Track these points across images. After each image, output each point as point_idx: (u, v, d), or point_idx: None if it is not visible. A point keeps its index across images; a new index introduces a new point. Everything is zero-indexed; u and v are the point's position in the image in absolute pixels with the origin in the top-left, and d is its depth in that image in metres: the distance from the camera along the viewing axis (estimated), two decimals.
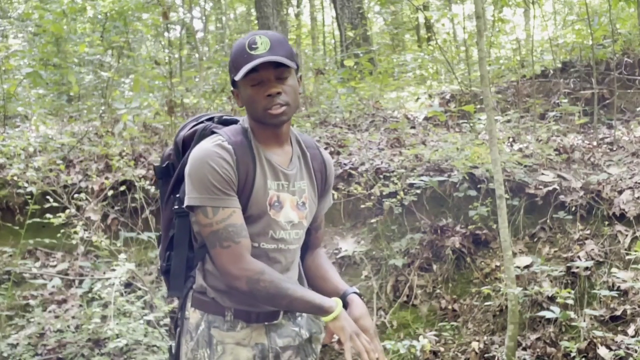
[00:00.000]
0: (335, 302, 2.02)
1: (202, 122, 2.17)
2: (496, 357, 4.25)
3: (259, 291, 1.97)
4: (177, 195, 2.09)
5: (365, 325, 2.08)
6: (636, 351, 3.91)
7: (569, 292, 4.20)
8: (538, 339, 4.28)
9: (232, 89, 2.11)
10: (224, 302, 2.06)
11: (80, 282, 5.09)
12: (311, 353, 2.22)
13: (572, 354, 3.95)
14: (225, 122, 2.15)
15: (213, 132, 2.08)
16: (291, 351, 2.16)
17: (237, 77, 1.98)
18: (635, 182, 4.97)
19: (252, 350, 2.07)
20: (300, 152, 2.17)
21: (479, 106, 6.54)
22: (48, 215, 4.92)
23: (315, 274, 2.26)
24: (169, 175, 2.17)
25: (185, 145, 2.14)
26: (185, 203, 2.00)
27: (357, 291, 2.19)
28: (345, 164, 5.79)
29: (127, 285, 4.78)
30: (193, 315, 2.09)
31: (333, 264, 5.15)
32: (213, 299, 2.07)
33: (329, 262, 2.32)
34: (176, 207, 2.08)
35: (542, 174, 5.25)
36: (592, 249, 4.61)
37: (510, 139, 6.12)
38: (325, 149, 6.22)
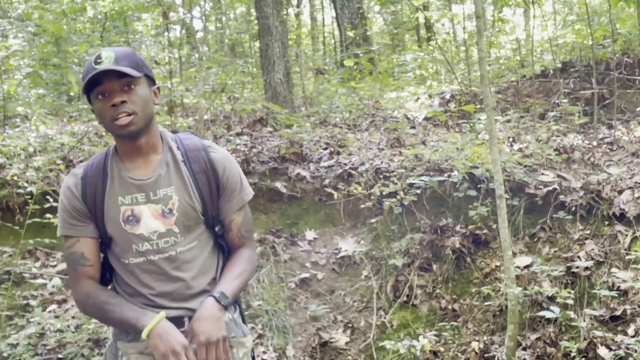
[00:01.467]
0: (149, 319, 2.00)
1: None
2: (496, 357, 4.25)
3: (89, 313, 2.15)
4: None
5: (197, 329, 2.01)
6: (636, 351, 3.91)
7: (569, 292, 4.20)
8: (538, 339, 4.28)
9: (91, 108, 2.14)
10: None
11: None
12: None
13: (572, 354, 3.95)
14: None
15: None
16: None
17: (84, 91, 2.04)
18: (635, 182, 4.97)
19: (154, 358, 2.06)
20: (172, 158, 2.14)
21: (479, 106, 6.54)
22: (48, 215, 4.92)
23: (221, 275, 2.22)
24: None
25: None
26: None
27: (216, 295, 2.08)
28: (345, 164, 5.79)
29: None
30: (109, 330, 2.22)
31: (333, 264, 5.20)
32: None
33: (237, 262, 2.21)
34: None
35: (542, 174, 5.25)
36: (592, 249, 4.61)
37: (510, 139, 6.12)
38: (325, 149, 6.23)
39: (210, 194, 2.15)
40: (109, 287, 2.20)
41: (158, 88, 2.16)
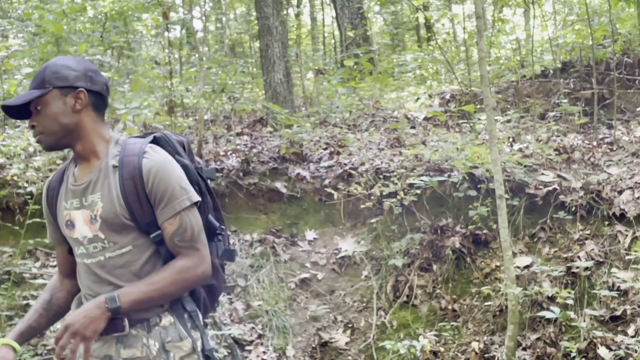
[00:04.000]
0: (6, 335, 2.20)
1: None
2: (496, 357, 4.25)
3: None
4: None
5: (68, 317, 2.09)
6: (636, 351, 3.91)
7: (569, 292, 4.20)
8: (538, 339, 4.28)
9: None
10: None
11: None
12: None
13: (572, 354, 3.95)
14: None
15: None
16: None
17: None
18: (635, 182, 4.97)
19: None
20: (106, 164, 2.13)
21: (479, 106, 6.54)
22: None
23: None
24: None
25: None
26: None
27: (107, 295, 2.04)
28: (345, 164, 5.79)
29: None
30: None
31: (333, 264, 5.20)
32: None
33: (161, 271, 2.12)
34: None
35: (542, 174, 5.25)
36: (592, 249, 4.61)
37: (510, 139, 6.11)
38: (325, 149, 6.23)
39: (138, 200, 2.09)
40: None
41: (80, 91, 2.12)
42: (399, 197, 5.18)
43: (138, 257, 2.13)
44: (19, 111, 2.16)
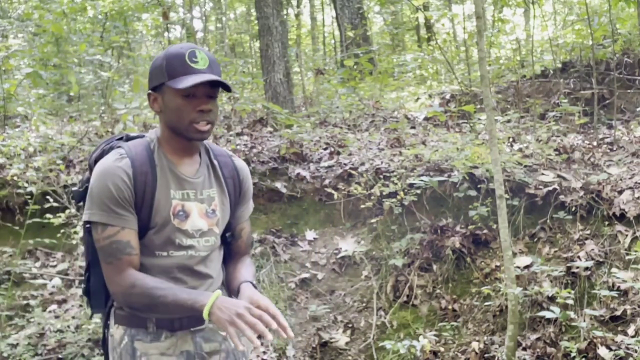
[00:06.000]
0: (207, 298, 1.96)
1: (112, 141, 2.21)
2: (496, 357, 4.24)
3: (134, 303, 2.04)
4: None
5: (255, 298, 2.02)
6: (636, 351, 3.91)
7: (569, 292, 4.20)
8: (538, 339, 4.28)
9: (149, 91, 2.11)
10: (144, 313, 2.09)
11: (80, 282, 5.09)
12: (241, 357, 2.22)
13: (572, 354, 3.95)
14: (133, 139, 2.19)
15: (118, 147, 2.11)
16: (218, 356, 2.16)
17: (178, 86, 1.99)
18: (635, 182, 4.97)
19: (177, 358, 2.09)
20: (209, 161, 2.20)
21: (479, 106, 6.54)
22: (48, 215, 4.92)
23: (230, 277, 2.25)
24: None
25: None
26: (83, 218, 2.07)
27: (251, 281, 2.14)
28: (345, 164, 5.79)
29: None
30: (117, 331, 2.13)
31: (333, 264, 5.20)
32: (132, 313, 2.10)
33: (247, 265, 2.28)
34: (87, 225, 2.11)
35: (542, 174, 5.25)
36: (592, 249, 4.61)
37: (510, 139, 6.11)
38: (325, 149, 6.23)
39: (235, 199, 2.23)
40: None
41: None
42: (399, 197, 5.18)
43: (220, 254, 2.24)
44: (204, 87, 2.02)
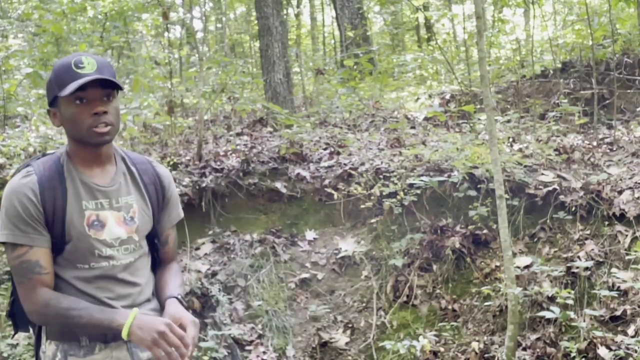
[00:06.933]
0: (124, 317, 1.95)
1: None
2: (496, 357, 4.25)
3: (49, 323, 2.03)
4: None
5: (178, 316, 2.03)
6: (636, 351, 3.91)
7: (569, 292, 4.20)
8: (538, 339, 4.28)
9: (48, 108, 2.10)
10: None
11: None
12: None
13: (572, 354, 3.95)
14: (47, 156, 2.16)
15: (28, 166, 2.08)
16: None
17: (64, 93, 1.97)
18: (635, 182, 4.97)
19: None
20: (126, 169, 2.18)
21: (479, 106, 6.54)
22: None
23: (157, 287, 2.24)
24: None
25: None
26: None
27: (177, 296, 2.14)
28: (345, 164, 5.79)
29: None
30: (49, 347, 2.08)
31: (333, 264, 5.20)
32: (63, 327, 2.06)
33: (174, 274, 2.28)
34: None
35: (542, 174, 5.25)
36: (592, 249, 4.61)
37: (510, 139, 6.11)
38: (325, 149, 6.23)
39: (157, 206, 2.21)
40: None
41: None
42: (399, 197, 5.18)
43: (147, 261, 2.23)
44: (95, 86, 2.00)
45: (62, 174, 2.07)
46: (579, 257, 4.58)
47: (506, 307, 4.31)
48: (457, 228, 5.03)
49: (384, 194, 5.27)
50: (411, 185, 5.22)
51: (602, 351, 3.99)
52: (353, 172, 5.61)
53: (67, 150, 2.11)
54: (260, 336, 4.70)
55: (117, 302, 2.07)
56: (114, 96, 2.05)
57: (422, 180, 5.17)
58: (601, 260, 4.57)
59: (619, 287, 4.33)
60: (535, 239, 4.92)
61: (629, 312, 4.22)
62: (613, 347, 4.02)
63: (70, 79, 1.99)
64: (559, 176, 5.21)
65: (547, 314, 4.08)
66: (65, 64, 2.02)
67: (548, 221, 4.95)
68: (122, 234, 2.10)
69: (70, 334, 2.06)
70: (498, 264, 4.77)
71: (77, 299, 2.02)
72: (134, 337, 1.93)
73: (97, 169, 2.11)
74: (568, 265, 4.54)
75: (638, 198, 4.78)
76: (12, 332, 2.42)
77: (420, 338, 4.38)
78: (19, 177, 2.04)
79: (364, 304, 4.94)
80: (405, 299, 4.85)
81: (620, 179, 5.06)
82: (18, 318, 2.18)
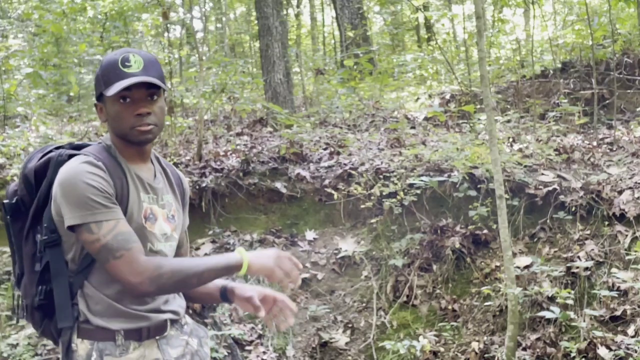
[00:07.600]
0: (235, 256, 2.00)
1: (51, 151, 2.11)
2: (496, 357, 4.25)
3: (165, 284, 1.96)
4: (45, 225, 2.02)
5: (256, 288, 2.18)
6: (636, 351, 3.91)
7: (569, 292, 4.20)
8: (538, 339, 4.28)
9: (95, 102, 2.09)
10: (111, 325, 2.01)
11: None
12: (205, 357, 2.22)
13: (572, 354, 3.95)
14: (78, 147, 2.11)
15: (71, 156, 2.03)
16: (185, 359, 2.15)
17: (109, 93, 1.96)
18: (635, 182, 4.97)
19: None
20: (162, 169, 2.20)
21: (479, 106, 6.54)
22: None
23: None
24: (20, 211, 2.10)
25: (38, 177, 2.08)
26: (67, 224, 1.95)
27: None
28: (345, 164, 5.79)
29: None
30: (81, 346, 2.03)
31: (333, 264, 5.20)
32: (99, 325, 2.02)
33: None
34: (45, 237, 2.01)
35: (542, 174, 5.25)
36: (592, 249, 4.61)
37: (510, 139, 6.11)
38: (325, 149, 6.24)
39: (182, 208, 2.26)
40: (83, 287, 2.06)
41: (166, 98, 2.17)
42: (399, 197, 5.18)
43: None
44: (139, 88, 1.99)
45: (120, 164, 2.05)
46: (579, 257, 4.58)
47: (506, 307, 4.31)
48: (457, 228, 5.03)
49: (384, 194, 5.27)
50: (411, 185, 5.22)
51: (602, 351, 3.99)
52: (353, 172, 5.61)
53: (113, 143, 2.09)
54: (260, 336, 4.70)
55: (152, 300, 2.08)
56: (160, 95, 2.05)
57: (422, 180, 5.17)
58: (601, 260, 4.57)
59: (619, 287, 4.33)
60: (535, 239, 4.92)
61: (628, 312, 4.22)
62: (613, 347, 4.02)
63: (116, 77, 1.98)
64: (559, 176, 5.21)
65: (547, 314, 4.08)
66: (113, 61, 2.00)
67: (548, 221, 4.95)
68: (168, 230, 2.12)
69: (106, 333, 2.01)
70: (498, 264, 4.77)
71: (180, 258, 2.11)
72: (255, 267, 1.99)
73: (142, 165, 2.11)
74: (568, 265, 4.54)
75: (638, 198, 4.78)
76: (31, 330, 2.35)
77: (420, 338, 4.38)
78: (79, 163, 1.98)
79: (364, 304, 4.94)
80: (405, 299, 4.85)
81: (620, 179, 5.06)
82: (61, 310, 2.04)
